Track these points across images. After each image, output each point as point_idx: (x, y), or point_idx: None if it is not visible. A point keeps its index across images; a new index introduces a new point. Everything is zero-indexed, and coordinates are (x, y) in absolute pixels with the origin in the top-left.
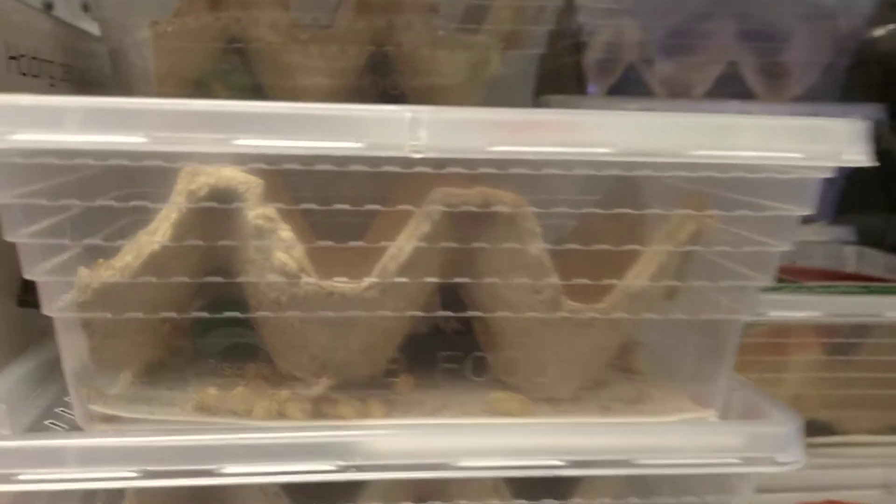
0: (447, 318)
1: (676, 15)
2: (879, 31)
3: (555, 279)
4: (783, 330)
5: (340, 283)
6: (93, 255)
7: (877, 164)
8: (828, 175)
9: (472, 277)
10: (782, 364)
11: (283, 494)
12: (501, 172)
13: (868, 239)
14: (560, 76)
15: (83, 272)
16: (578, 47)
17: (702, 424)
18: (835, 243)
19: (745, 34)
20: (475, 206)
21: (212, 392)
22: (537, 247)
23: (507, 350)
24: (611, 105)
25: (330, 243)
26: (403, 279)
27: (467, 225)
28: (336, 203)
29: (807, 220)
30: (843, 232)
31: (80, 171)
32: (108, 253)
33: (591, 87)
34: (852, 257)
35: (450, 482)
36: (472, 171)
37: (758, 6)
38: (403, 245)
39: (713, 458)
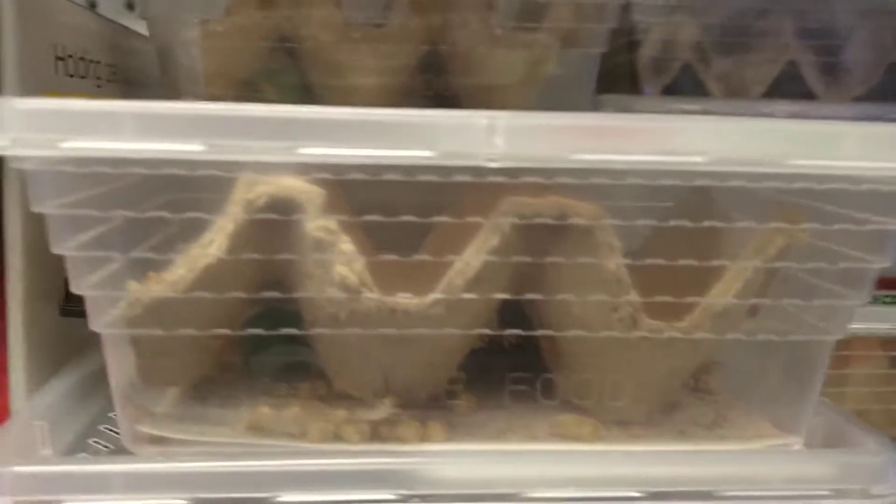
0: (521, 339)
1: (733, 12)
2: None
3: (634, 296)
4: (846, 341)
5: (403, 299)
6: (142, 268)
7: None
8: None
9: (542, 293)
10: (845, 378)
11: None
12: (581, 182)
13: None
14: (614, 75)
15: (133, 286)
16: (633, 45)
17: (788, 453)
18: None
19: (804, 32)
20: (550, 218)
21: (265, 412)
22: (616, 262)
23: (578, 371)
24: (667, 105)
25: (393, 257)
26: (470, 295)
27: (540, 237)
28: (400, 215)
29: None
30: None
31: (128, 179)
32: (158, 266)
33: (646, 87)
34: None
35: None
36: (547, 181)
37: (816, 2)
38: (471, 259)
39: (802, 489)
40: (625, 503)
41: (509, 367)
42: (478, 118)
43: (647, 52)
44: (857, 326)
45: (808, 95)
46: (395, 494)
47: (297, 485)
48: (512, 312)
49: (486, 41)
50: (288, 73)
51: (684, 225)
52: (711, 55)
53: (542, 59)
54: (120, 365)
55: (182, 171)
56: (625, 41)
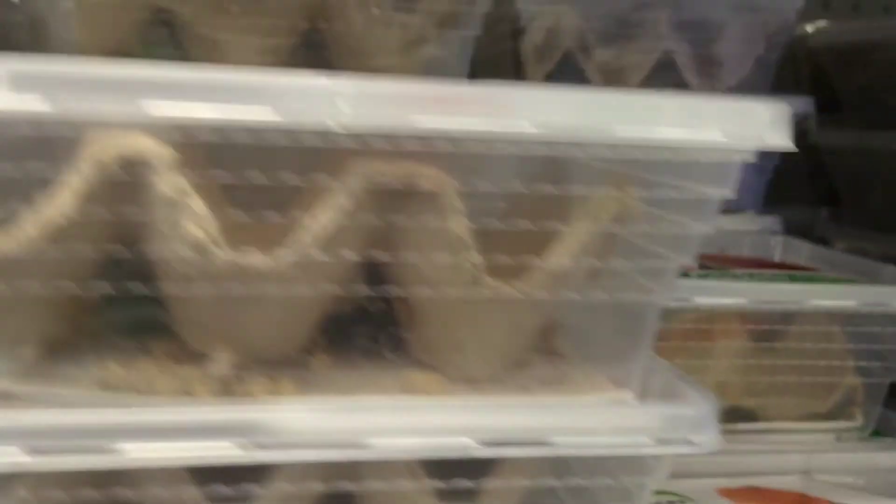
0: (373, 299)
1: (614, 2)
2: (809, 28)
3: (475, 256)
4: (709, 317)
5: (253, 259)
6: None
7: (795, 149)
8: (750, 159)
9: (393, 255)
10: (708, 351)
11: (188, 475)
12: (427, 150)
13: (794, 230)
14: (498, 63)
15: None
16: (516, 33)
17: (616, 405)
18: (762, 233)
19: (680, 24)
20: (397, 181)
21: (115, 369)
22: (459, 224)
23: (427, 329)
24: None
25: (242, 214)
26: (320, 255)
27: (388, 201)
28: (255, 179)
29: (736, 211)
30: (770, 222)
31: None
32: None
33: (530, 75)
34: (778, 247)
35: (361, 462)
36: (398, 148)
37: None
38: (320, 219)
39: (627, 438)
40: (461, 451)
41: (366, 327)
42: (323, 81)
43: (530, 40)
44: (718, 301)
45: (682, 86)
46: (239, 445)
47: (135, 436)
48: (368, 274)
49: (363, 20)
50: (164, 46)
51: (523, 194)
52: (592, 45)
53: (419, 39)
54: None
55: (27, 129)
56: (509, 29)
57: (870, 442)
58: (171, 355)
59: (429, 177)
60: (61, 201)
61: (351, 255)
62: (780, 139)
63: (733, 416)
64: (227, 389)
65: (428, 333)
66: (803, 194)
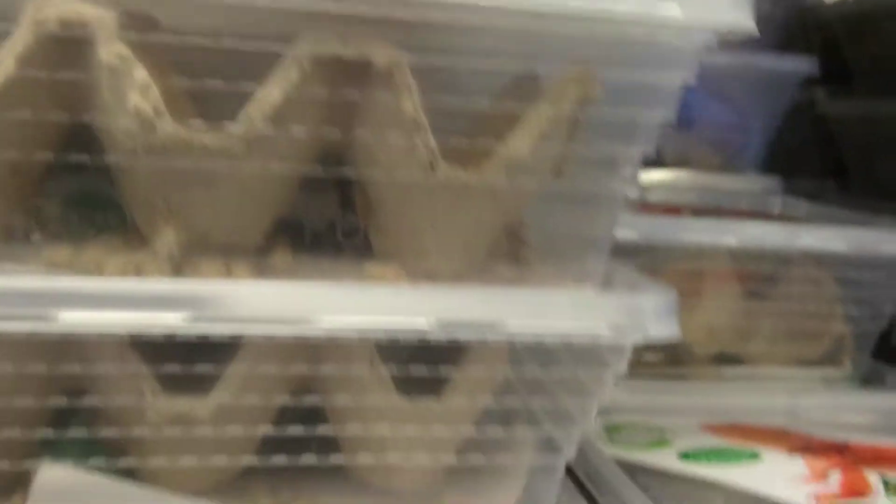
0: (332, 193)
1: None
2: None
3: (430, 140)
4: (700, 260)
5: (200, 132)
6: None
7: (757, 33)
8: (711, 42)
9: (346, 135)
10: (698, 294)
11: (135, 353)
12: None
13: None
14: None
15: None
16: None
17: (574, 293)
18: (762, 193)
19: None
20: (348, 56)
21: (63, 250)
22: (412, 103)
23: (386, 221)
24: None
25: (188, 85)
26: (270, 130)
27: (341, 77)
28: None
29: (736, 171)
30: (770, 183)
31: None
32: None
33: None
34: (777, 206)
35: (319, 347)
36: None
37: None
38: (270, 92)
39: (584, 325)
40: (414, 332)
41: (325, 223)
42: None
43: None
44: (708, 239)
45: None
46: (183, 316)
47: (78, 304)
48: (323, 160)
49: None
50: None
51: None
52: None
53: None
54: None
55: None
56: None
57: (856, 388)
58: (121, 238)
59: (382, 52)
60: (5, 64)
61: (301, 133)
62: (741, 19)
63: (721, 360)
64: (178, 272)
65: (387, 226)
66: (811, 165)
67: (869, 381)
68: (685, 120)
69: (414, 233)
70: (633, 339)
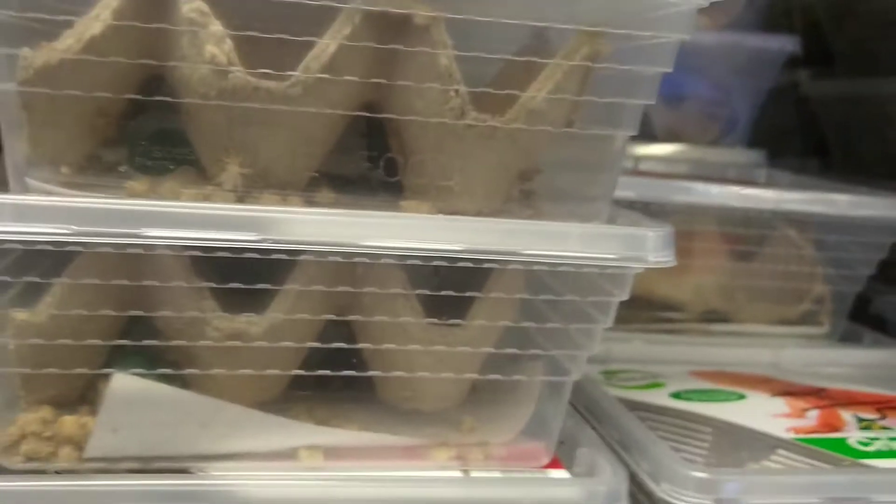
0: (379, 149)
1: None
2: None
3: (462, 87)
4: (690, 223)
5: (266, 80)
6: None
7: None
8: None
9: (388, 85)
10: (688, 255)
11: (198, 273)
12: None
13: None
14: None
15: (26, 51)
16: None
17: (584, 226)
18: (747, 166)
19: None
20: (393, 13)
21: (144, 181)
22: (447, 56)
23: (418, 163)
24: None
25: (257, 35)
26: (326, 76)
27: (385, 32)
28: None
29: (722, 144)
30: (756, 156)
31: None
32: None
33: None
34: (762, 176)
35: (359, 271)
36: None
37: None
38: (326, 45)
39: (593, 254)
40: (445, 256)
41: (363, 166)
42: None
43: None
44: (692, 200)
45: None
46: (248, 236)
47: (157, 222)
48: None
49: None
50: None
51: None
52: None
53: None
54: (13, 143)
55: None
56: None
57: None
58: (193, 175)
59: (422, 10)
60: (99, 16)
61: (351, 81)
62: None
63: (709, 317)
64: (241, 202)
65: (419, 168)
66: (795, 145)
67: (846, 340)
68: (675, 96)
69: (443, 174)
70: (639, 265)
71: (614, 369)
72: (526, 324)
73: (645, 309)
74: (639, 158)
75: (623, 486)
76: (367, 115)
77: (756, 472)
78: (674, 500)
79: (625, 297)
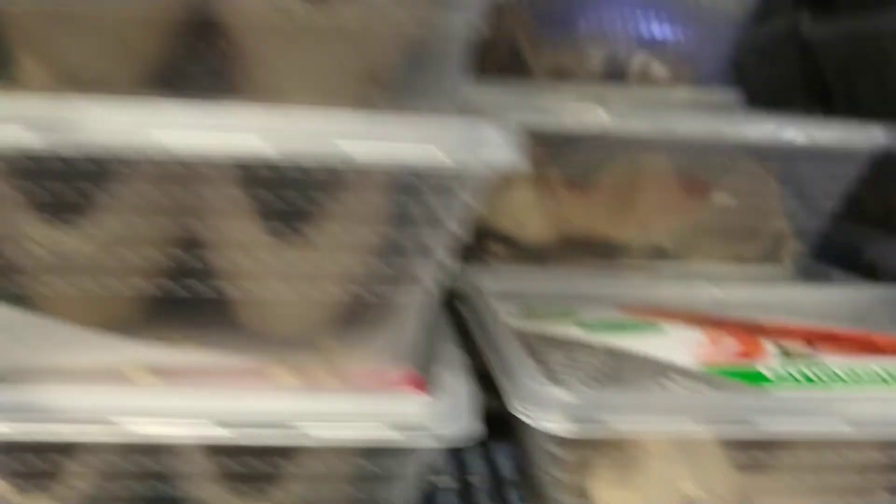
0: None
1: None
2: None
3: None
4: (641, 155)
5: None
6: None
7: None
8: None
9: None
10: (636, 190)
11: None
12: None
13: None
14: None
15: None
16: None
17: (414, 119)
18: (721, 105)
19: None
20: None
21: None
22: None
23: (248, 64)
24: None
25: None
26: None
27: None
28: None
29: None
30: (731, 94)
31: None
32: None
33: None
34: None
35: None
36: None
37: None
38: None
39: (419, 151)
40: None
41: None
42: None
43: None
44: (644, 129)
45: None
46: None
47: None
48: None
49: None
50: None
51: None
52: None
53: None
54: None
55: None
56: None
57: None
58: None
59: None
60: None
61: None
62: None
63: (655, 255)
64: None
65: (249, 69)
66: (796, 95)
67: (812, 279)
68: (647, 40)
69: (274, 74)
70: (473, 165)
71: (534, 306)
72: (369, 237)
73: (584, 245)
74: (605, 101)
75: (465, 405)
76: (190, 13)
77: (617, 393)
78: (525, 418)
79: (470, 200)
